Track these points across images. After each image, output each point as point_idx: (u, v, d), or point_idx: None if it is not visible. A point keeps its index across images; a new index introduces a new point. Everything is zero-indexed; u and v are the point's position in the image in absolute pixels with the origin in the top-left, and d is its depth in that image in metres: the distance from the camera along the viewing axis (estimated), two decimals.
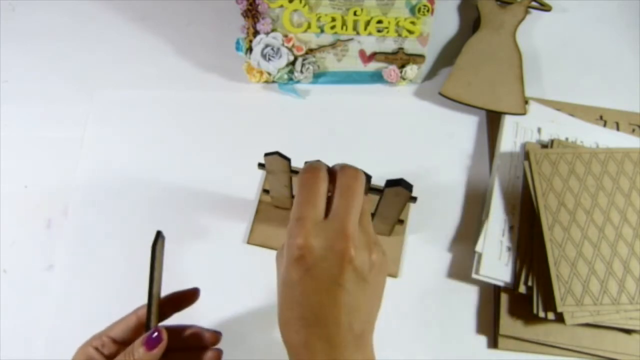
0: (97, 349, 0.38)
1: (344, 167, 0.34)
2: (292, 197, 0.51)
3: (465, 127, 0.60)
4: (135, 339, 0.36)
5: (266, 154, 0.44)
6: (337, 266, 0.31)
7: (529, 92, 0.60)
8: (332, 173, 0.35)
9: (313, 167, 0.34)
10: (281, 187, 0.49)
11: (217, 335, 0.41)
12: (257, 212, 0.54)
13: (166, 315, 0.40)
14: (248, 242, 0.53)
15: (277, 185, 0.49)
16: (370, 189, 0.44)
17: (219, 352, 0.41)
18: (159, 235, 0.38)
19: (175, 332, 0.40)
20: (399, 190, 0.42)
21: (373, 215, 0.49)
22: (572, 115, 0.59)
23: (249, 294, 0.50)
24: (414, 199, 0.44)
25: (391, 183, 0.42)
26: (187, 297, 0.41)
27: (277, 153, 0.44)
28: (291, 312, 0.32)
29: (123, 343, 0.38)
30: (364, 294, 0.32)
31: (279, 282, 0.34)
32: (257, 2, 0.55)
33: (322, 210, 0.33)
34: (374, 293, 0.34)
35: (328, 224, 0.32)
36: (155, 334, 0.36)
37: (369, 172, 0.43)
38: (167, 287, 0.45)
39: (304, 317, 0.32)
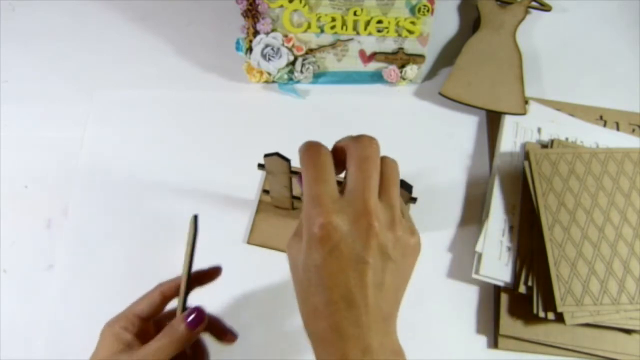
0: (125, 328, 0.38)
1: (358, 137, 0.33)
2: (292, 197, 0.51)
3: (465, 127, 0.60)
4: (157, 315, 0.38)
5: (266, 155, 0.44)
6: (362, 242, 0.30)
7: (529, 92, 0.60)
8: (342, 147, 0.33)
9: (313, 143, 0.33)
10: (281, 188, 0.49)
11: (233, 337, 0.41)
12: (257, 212, 0.54)
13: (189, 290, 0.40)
14: (248, 242, 0.53)
15: (277, 185, 0.49)
16: None
17: (234, 337, 0.41)
18: (196, 218, 0.38)
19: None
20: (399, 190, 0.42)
21: None
22: (572, 115, 0.59)
23: (249, 294, 0.50)
24: (413, 200, 0.44)
25: None
26: (209, 274, 0.41)
27: (277, 154, 0.44)
28: (317, 297, 0.30)
29: (147, 319, 0.38)
30: (390, 272, 0.31)
31: (299, 270, 0.31)
32: (257, 2, 0.55)
33: (335, 185, 0.31)
34: (399, 272, 0.32)
35: (348, 199, 0.30)
36: (195, 313, 0.36)
37: None
38: None
39: (332, 301, 0.30)
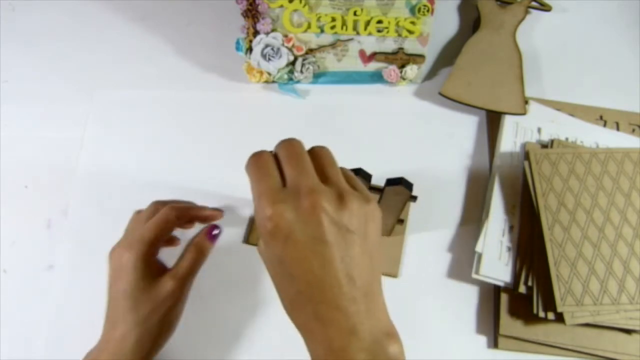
0: (143, 254, 0.41)
1: (281, 141, 0.34)
2: None
3: (465, 127, 0.60)
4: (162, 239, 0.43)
5: None
6: (313, 224, 0.29)
7: (529, 92, 0.60)
8: (275, 154, 0.34)
9: (255, 151, 0.34)
10: None
11: (219, 212, 0.47)
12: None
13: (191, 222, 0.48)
14: (247, 242, 0.53)
15: None
16: (370, 188, 0.44)
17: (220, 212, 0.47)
18: None
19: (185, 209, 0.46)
20: (400, 189, 0.42)
21: None
22: (572, 115, 0.59)
23: (248, 293, 0.50)
24: (414, 198, 0.44)
25: (391, 182, 0.42)
26: (215, 215, 0.47)
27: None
28: (290, 289, 0.31)
29: (155, 244, 0.42)
30: (354, 244, 0.30)
31: (268, 268, 0.32)
32: (257, 2, 0.55)
33: (278, 178, 0.32)
34: (365, 242, 0.31)
35: (288, 189, 0.31)
36: (215, 228, 0.44)
37: (369, 171, 0.43)
38: None
39: (301, 291, 0.30)
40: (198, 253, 0.43)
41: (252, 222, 0.53)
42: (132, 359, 0.40)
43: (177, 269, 0.42)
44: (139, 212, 0.46)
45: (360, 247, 0.31)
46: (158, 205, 0.45)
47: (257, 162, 0.33)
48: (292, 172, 0.32)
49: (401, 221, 0.50)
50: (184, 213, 0.45)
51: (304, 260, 0.30)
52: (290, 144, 0.34)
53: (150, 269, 0.41)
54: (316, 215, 0.29)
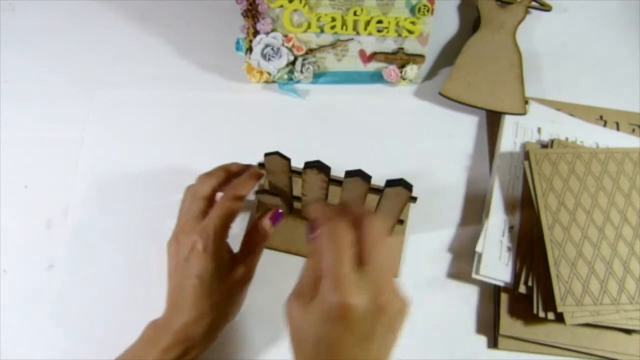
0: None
1: (371, 220, 0.34)
2: (292, 197, 0.50)
3: (465, 127, 0.60)
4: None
5: (266, 154, 0.44)
6: (374, 320, 0.32)
7: (529, 92, 0.60)
8: (357, 218, 0.34)
9: (337, 223, 0.34)
10: (281, 187, 0.49)
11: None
12: (256, 212, 0.54)
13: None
14: None
15: (276, 185, 0.49)
16: (370, 189, 0.44)
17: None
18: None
19: None
20: (399, 190, 0.42)
21: None
22: (572, 115, 0.59)
23: (248, 294, 0.50)
24: (414, 199, 0.44)
25: (391, 183, 0.42)
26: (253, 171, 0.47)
27: (277, 153, 0.44)
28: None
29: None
30: (388, 344, 0.34)
31: (306, 337, 0.33)
32: (257, 2, 0.55)
33: (353, 262, 0.32)
34: (395, 340, 0.34)
35: (366, 279, 0.32)
36: (276, 212, 0.47)
37: (369, 172, 0.43)
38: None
39: None
40: (264, 238, 0.46)
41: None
42: (203, 341, 0.41)
43: (249, 257, 0.44)
44: (190, 188, 0.46)
45: (390, 345, 0.34)
46: (209, 179, 0.45)
47: (337, 235, 0.33)
48: (377, 262, 0.33)
49: (401, 221, 0.50)
50: (241, 191, 0.45)
51: (351, 347, 0.32)
52: (380, 232, 0.34)
53: (222, 254, 0.42)
54: (381, 315, 0.32)
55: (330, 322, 0.31)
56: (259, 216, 0.47)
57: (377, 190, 0.44)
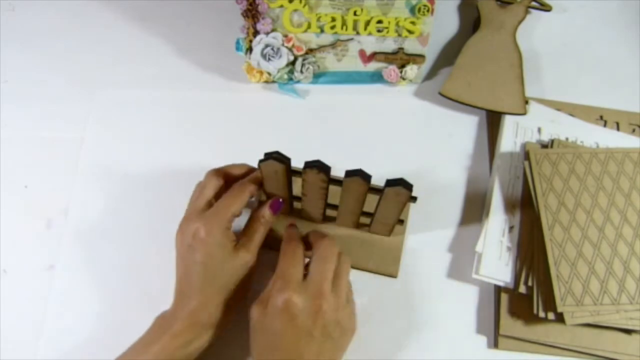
0: (228, 228, 0.45)
1: (320, 240, 0.43)
2: (292, 197, 0.50)
3: (465, 127, 0.60)
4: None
5: (261, 161, 0.44)
6: (312, 319, 0.39)
7: (529, 92, 0.60)
8: (309, 242, 0.45)
9: (293, 236, 0.45)
10: (280, 189, 0.49)
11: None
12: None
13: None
14: None
15: (274, 188, 0.49)
16: (370, 189, 0.44)
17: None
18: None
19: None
20: (399, 190, 0.42)
21: (373, 215, 0.48)
22: (572, 115, 0.59)
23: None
24: (414, 199, 0.44)
25: (391, 183, 0.42)
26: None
27: (273, 157, 0.43)
28: (271, 355, 0.39)
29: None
30: (327, 348, 0.40)
31: (259, 332, 0.40)
32: (257, 2, 0.55)
33: (302, 272, 0.41)
34: (335, 349, 0.41)
35: (308, 284, 0.40)
36: (277, 200, 0.48)
37: (369, 172, 0.43)
38: (168, 286, 0.45)
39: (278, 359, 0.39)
40: (266, 225, 0.47)
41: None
42: (213, 325, 0.43)
43: (251, 242, 0.45)
44: (199, 183, 0.48)
45: (330, 352, 0.40)
46: (216, 175, 0.47)
47: (292, 251, 0.43)
48: (317, 272, 0.41)
49: (401, 221, 0.50)
50: (240, 196, 0.47)
51: (296, 341, 0.39)
52: (331, 250, 0.42)
53: (227, 241, 0.43)
54: (317, 316, 0.39)
55: (278, 315, 0.39)
56: (259, 205, 0.48)
57: (377, 190, 0.44)
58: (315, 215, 0.51)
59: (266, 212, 0.47)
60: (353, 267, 0.49)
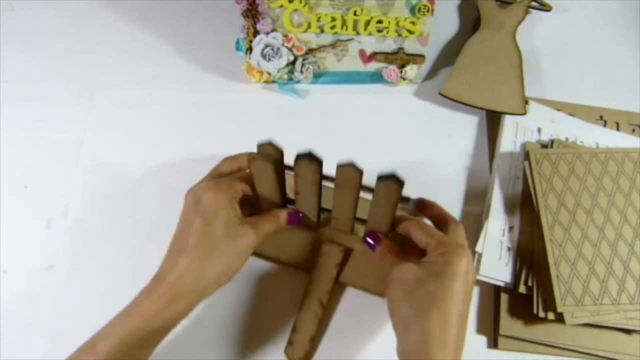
0: (235, 199, 0.44)
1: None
2: (285, 200, 0.48)
3: (465, 127, 0.60)
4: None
5: (251, 157, 0.42)
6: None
7: (529, 92, 0.60)
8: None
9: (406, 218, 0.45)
10: (269, 198, 0.47)
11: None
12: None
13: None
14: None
15: (264, 194, 0.46)
16: (361, 187, 0.43)
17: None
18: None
19: None
20: (390, 185, 0.40)
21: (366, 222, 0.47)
22: (572, 115, 0.59)
23: (242, 294, 0.50)
24: (405, 200, 0.43)
25: (382, 177, 0.40)
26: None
27: (269, 144, 0.42)
28: (462, 307, 0.38)
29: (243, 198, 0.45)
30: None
31: (459, 279, 0.38)
32: (257, 2, 0.55)
33: None
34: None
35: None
36: (298, 215, 0.47)
37: (369, 171, 0.43)
38: None
39: (461, 313, 0.38)
40: (277, 225, 0.45)
41: None
42: (195, 291, 0.40)
43: (259, 225, 0.44)
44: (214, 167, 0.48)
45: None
46: (232, 160, 0.48)
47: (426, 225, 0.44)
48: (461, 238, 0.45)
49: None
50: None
51: (468, 298, 0.39)
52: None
53: (234, 210, 0.42)
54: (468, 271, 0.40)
55: (467, 272, 0.39)
56: (281, 211, 0.47)
57: (370, 190, 0.42)
58: (310, 214, 0.48)
59: (283, 213, 0.46)
60: (347, 284, 0.49)
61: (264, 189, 0.46)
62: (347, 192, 0.44)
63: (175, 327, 0.41)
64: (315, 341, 0.46)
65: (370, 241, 0.45)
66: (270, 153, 0.43)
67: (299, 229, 0.49)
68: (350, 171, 0.41)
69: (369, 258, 0.46)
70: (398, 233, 0.45)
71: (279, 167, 0.44)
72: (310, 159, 0.41)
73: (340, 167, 0.41)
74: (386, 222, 0.45)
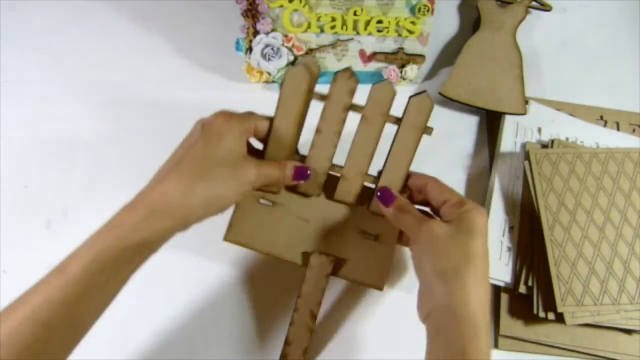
0: (247, 132, 0.42)
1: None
2: (295, 147, 0.45)
3: (465, 127, 0.60)
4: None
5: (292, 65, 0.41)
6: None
7: (529, 92, 0.60)
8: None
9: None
10: (284, 135, 0.43)
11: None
12: (238, 206, 0.46)
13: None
14: (225, 240, 0.46)
15: (279, 132, 0.43)
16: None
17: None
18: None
19: None
20: (422, 99, 0.41)
21: (384, 165, 0.45)
22: (572, 115, 0.59)
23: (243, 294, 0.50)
24: (429, 130, 0.43)
25: (415, 95, 0.41)
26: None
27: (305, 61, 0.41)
28: (483, 286, 0.37)
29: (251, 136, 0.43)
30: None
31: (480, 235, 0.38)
32: (257, 2, 0.55)
33: None
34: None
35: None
36: (305, 171, 0.43)
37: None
38: (168, 286, 0.45)
39: (479, 272, 0.37)
40: (282, 174, 0.42)
41: (233, 215, 0.47)
42: (175, 212, 0.37)
43: (262, 165, 0.41)
44: None
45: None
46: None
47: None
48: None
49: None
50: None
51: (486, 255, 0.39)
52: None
53: (241, 142, 0.40)
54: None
55: (483, 235, 0.38)
56: (289, 163, 0.44)
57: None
58: (321, 166, 0.45)
59: (290, 164, 0.43)
60: (338, 276, 0.46)
61: (284, 117, 0.43)
62: (372, 124, 0.42)
63: (157, 248, 0.38)
64: (307, 350, 0.45)
65: (383, 197, 0.43)
66: (312, 68, 0.41)
67: (293, 219, 0.46)
68: (385, 90, 0.40)
69: (366, 248, 0.46)
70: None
71: (310, 90, 0.42)
72: (350, 74, 0.40)
73: (375, 86, 0.41)
74: (406, 162, 0.44)
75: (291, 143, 0.44)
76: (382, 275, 0.46)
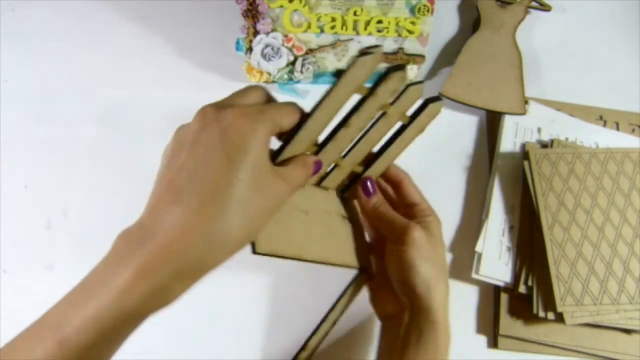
0: (272, 133, 0.33)
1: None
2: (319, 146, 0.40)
3: (465, 127, 0.60)
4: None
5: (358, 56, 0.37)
6: None
7: (529, 92, 0.60)
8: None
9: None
10: (329, 117, 0.38)
11: None
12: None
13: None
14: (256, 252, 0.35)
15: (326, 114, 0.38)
16: None
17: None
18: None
19: None
20: (437, 106, 0.40)
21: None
22: (572, 115, 0.59)
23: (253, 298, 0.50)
24: (436, 100, 0.41)
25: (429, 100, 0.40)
26: None
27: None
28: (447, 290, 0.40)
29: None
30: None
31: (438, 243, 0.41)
32: (257, 2, 0.55)
33: None
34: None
35: None
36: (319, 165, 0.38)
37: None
38: None
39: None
40: (308, 173, 0.35)
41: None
42: (197, 261, 0.28)
43: (291, 176, 0.32)
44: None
45: None
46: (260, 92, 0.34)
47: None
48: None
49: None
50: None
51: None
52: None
53: (267, 157, 0.31)
54: None
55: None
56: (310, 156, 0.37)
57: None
58: (327, 161, 0.41)
59: (311, 159, 0.35)
60: (319, 262, 0.39)
61: (329, 108, 0.38)
62: (390, 122, 0.41)
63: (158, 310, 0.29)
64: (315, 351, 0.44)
65: (369, 188, 0.42)
66: (379, 60, 0.38)
67: (299, 213, 0.39)
68: (417, 92, 0.40)
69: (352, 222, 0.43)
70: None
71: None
72: (404, 75, 0.39)
73: (412, 87, 0.40)
74: (396, 157, 0.44)
75: (318, 136, 0.38)
76: (366, 255, 0.44)
